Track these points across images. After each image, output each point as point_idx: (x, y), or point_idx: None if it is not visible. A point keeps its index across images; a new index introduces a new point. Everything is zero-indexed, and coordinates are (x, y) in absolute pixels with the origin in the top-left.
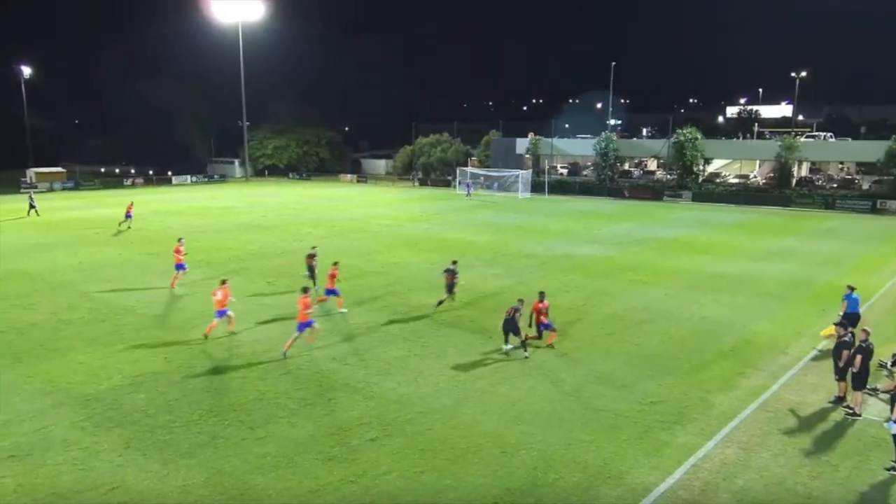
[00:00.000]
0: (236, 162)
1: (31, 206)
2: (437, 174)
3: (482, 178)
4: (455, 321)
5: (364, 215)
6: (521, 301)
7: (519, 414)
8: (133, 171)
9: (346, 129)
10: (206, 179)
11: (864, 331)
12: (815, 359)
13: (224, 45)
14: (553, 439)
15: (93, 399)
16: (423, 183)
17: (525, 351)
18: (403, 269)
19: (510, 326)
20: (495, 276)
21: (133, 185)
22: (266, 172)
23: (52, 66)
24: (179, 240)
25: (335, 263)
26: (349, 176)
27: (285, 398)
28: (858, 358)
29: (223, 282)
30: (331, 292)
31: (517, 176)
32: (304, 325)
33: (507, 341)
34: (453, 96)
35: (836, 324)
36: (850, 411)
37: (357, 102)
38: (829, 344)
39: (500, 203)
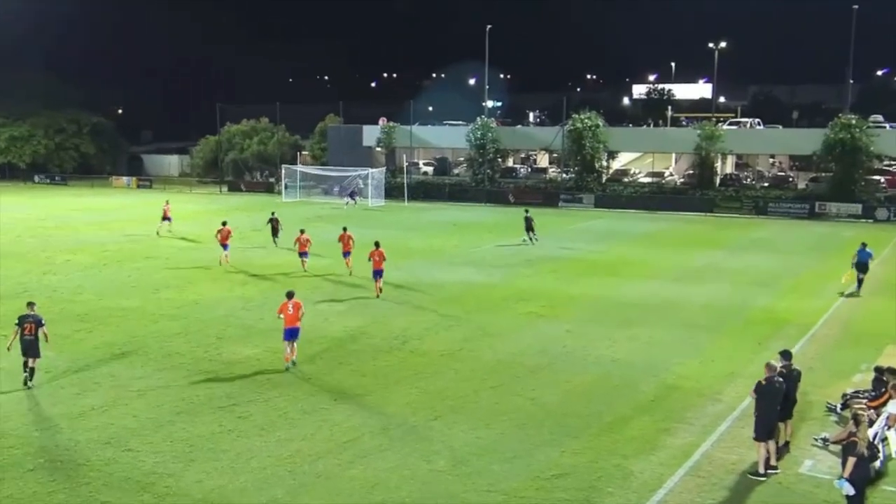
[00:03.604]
0: None
1: None
2: (257, 174)
3: (358, 181)
4: (285, 380)
5: (149, 235)
6: (31, 305)
7: None
8: None
9: (120, 111)
10: None
11: (783, 354)
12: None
13: None
14: None
15: None
16: (233, 187)
17: (31, 381)
18: (208, 311)
19: (31, 348)
20: (340, 315)
21: None
22: None
23: None
24: (302, 231)
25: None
26: (126, 179)
27: None
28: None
29: (345, 228)
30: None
31: (366, 176)
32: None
33: (28, 370)
34: (273, 68)
35: (780, 352)
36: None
37: (134, 75)
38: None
39: (342, 213)
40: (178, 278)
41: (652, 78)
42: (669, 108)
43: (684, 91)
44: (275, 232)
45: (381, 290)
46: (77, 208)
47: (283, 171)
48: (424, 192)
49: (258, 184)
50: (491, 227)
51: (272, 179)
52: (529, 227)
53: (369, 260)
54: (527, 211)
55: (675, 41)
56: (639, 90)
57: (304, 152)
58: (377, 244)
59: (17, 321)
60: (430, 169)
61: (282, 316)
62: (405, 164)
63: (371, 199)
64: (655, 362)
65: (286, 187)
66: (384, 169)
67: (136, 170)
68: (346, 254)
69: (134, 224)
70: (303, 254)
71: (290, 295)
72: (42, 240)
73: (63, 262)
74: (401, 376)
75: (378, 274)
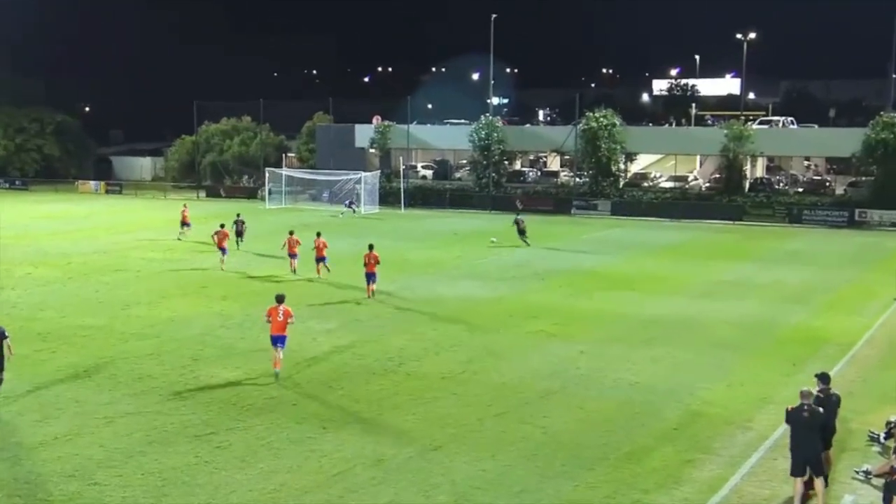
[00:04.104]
0: None
1: None
2: (245, 179)
3: (356, 188)
4: (268, 405)
5: (119, 246)
6: None
7: None
8: None
9: (87, 109)
10: None
11: (820, 377)
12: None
13: None
14: None
15: None
16: (212, 193)
17: None
18: (183, 329)
19: None
20: (329, 333)
21: None
22: None
23: None
24: (291, 232)
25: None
26: (93, 183)
27: None
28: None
29: (318, 234)
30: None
31: (358, 180)
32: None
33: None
34: (256, 61)
35: (817, 375)
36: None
37: (104, 69)
38: None
39: (331, 221)
40: (150, 293)
41: (674, 72)
42: (693, 105)
43: (710, 87)
44: (239, 234)
45: (373, 292)
46: (39, 216)
47: (266, 175)
48: (423, 198)
49: (239, 189)
50: (496, 237)
51: (256, 183)
52: (522, 231)
53: (365, 265)
54: (517, 214)
55: (699, 32)
56: (659, 86)
57: (290, 154)
58: (371, 247)
59: None
60: (429, 172)
61: (269, 320)
62: (402, 167)
63: (364, 205)
64: (679, 386)
65: (270, 193)
66: (378, 172)
67: (105, 173)
68: (320, 259)
69: (102, 233)
70: (292, 255)
71: (279, 299)
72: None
73: (23, 276)
74: (397, 401)
75: (370, 278)
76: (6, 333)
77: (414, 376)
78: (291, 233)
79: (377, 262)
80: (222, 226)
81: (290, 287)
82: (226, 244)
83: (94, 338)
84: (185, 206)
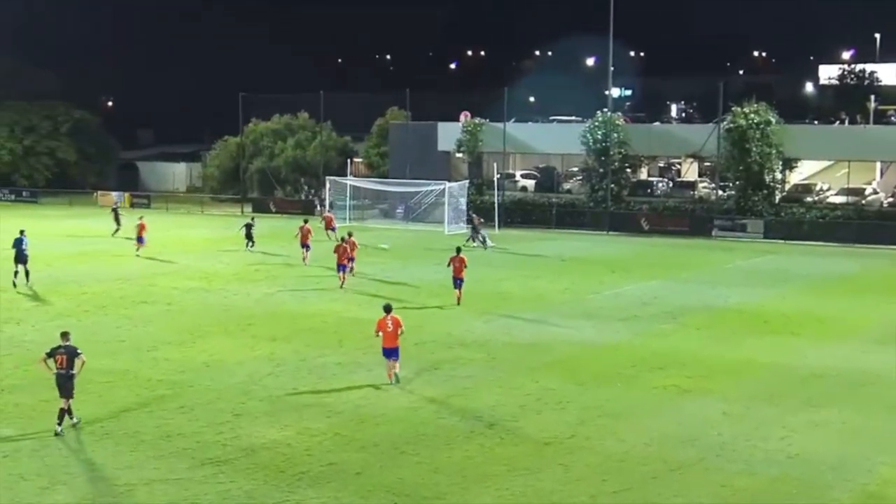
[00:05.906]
0: None
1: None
2: (290, 189)
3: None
4: (325, 474)
5: (145, 272)
6: (65, 335)
7: None
8: None
9: (110, 104)
10: None
11: None
12: None
13: None
14: None
15: None
16: (259, 207)
17: (72, 420)
18: (222, 376)
19: (64, 385)
20: (404, 383)
21: None
22: None
23: None
24: (350, 234)
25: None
26: (116, 195)
27: None
28: None
29: (349, 234)
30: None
31: (441, 192)
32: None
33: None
34: (315, 45)
35: None
36: None
37: (130, 57)
38: None
39: (406, 245)
40: (183, 331)
41: (847, 55)
42: (872, 97)
43: (892, 73)
44: (248, 236)
45: (460, 298)
46: (49, 234)
47: (327, 185)
48: (523, 214)
49: (293, 202)
50: (615, 266)
51: (312, 196)
52: (476, 230)
53: (448, 265)
54: (475, 213)
55: (880, 3)
56: (828, 73)
57: (356, 159)
58: (458, 250)
59: (46, 353)
60: (530, 183)
61: (380, 334)
62: (496, 175)
63: (448, 222)
64: (851, 461)
65: (332, 207)
66: (466, 183)
67: (130, 182)
68: (342, 267)
69: (125, 258)
70: (350, 259)
71: (387, 309)
72: (2, 277)
73: (30, 308)
74: (487, 472)
75: (458, 282)
76: (79, 351)
77: (509, 441)
78: (350, 235)
79: (464, 266)
80: (305, 221)
81: (355, 325)
82: (309, 241)
83: (114, 386)
84: (331, 210)
